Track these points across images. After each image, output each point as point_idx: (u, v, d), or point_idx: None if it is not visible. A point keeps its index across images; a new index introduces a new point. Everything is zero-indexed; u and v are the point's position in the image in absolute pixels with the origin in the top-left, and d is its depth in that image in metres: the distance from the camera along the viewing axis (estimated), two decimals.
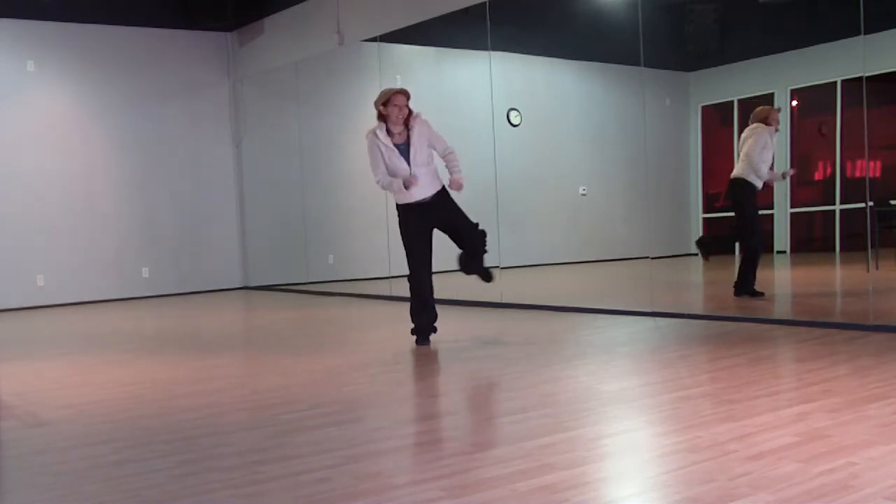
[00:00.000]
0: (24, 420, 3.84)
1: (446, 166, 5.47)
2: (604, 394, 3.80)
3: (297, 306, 8.91)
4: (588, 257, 10.64)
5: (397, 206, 5.47)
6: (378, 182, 5.34)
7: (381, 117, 5.31)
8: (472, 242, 5.49)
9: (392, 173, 5.28)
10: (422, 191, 5.32)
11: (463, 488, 2.52)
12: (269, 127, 11.15)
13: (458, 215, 5.47)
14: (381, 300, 8.80)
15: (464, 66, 10.06)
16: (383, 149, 5.26)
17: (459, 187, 5.35)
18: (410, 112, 5.29)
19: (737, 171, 7.06)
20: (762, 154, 6.92)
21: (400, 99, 5.24)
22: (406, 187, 5.23)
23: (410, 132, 5.29)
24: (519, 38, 9.83)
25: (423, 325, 5.51)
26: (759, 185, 7.02)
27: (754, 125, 7.03)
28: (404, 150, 5.29)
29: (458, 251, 5.58)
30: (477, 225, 5.52)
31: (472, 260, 5.56)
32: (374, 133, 5.29)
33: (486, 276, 5.66)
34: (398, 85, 5.93)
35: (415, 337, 5.52)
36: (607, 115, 11.00)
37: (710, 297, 7.96)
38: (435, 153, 5.44)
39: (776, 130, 7.04)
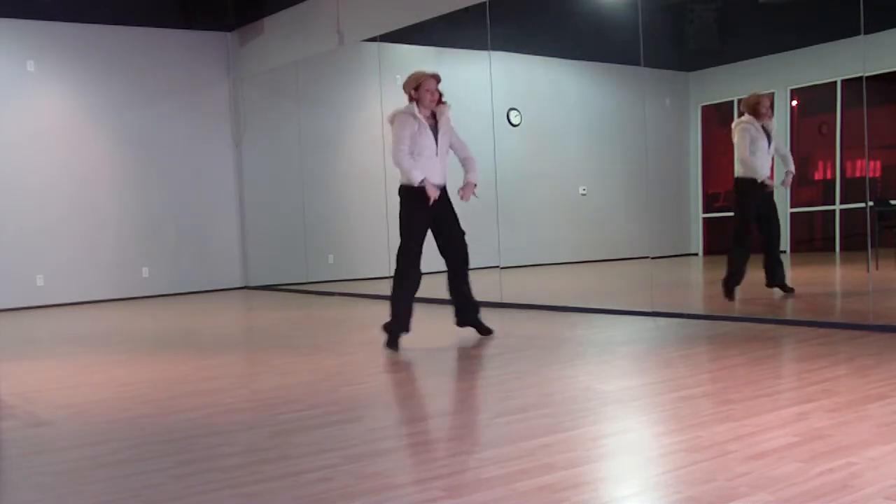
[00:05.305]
0: (24, 420, 3.83)
1: (464, 166, 5.50)
2: (604, 394, 3.80)
3: (297, 306, 8.91)
4: (588, 257, 10.63)
5: (403, 190, 5.34)
6: (400, 155, 5.20)
7: (412, 100, 5.33)
8: (456, 249, 5.44)
9: (417, 151, 5.24)
10: (437, 179, 5.30)
11: (463, 488, 2.52)
12: (269, 127, 11.15)
13: (455, 216, 5.46)
14: (382, 300, 8.78)
15: (464, 65, 10.04)
16: (417, 126, 5.24)
17: (471, 188, 5.39)
18: (440, 97, 5.33)
19: (735, 171, 7.09)
20: (753, 148, 6.92)
21: (431, 83, 5.29)
22: (426, 192, 5.18)
23: (438, 119, 5.34)
24: (519, 38, 9.83)
25: (405, 325, 5.39)
26: (762, 177, 6.99)
27: (737, 121, 7.05)
28: (432, 132, 5.31)
29: (455, 316, 5.60)
30: (464, 234, 5.49)
31: (465, 299, 5.52)
32: (409, 110, 5.28)
33: (485, 330, 5.60)
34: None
35: (392, 338, 5.34)
36: (607, 115, 11.00)
37: (710, 297, 7.95)
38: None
39: (769, 118, 6.98)
